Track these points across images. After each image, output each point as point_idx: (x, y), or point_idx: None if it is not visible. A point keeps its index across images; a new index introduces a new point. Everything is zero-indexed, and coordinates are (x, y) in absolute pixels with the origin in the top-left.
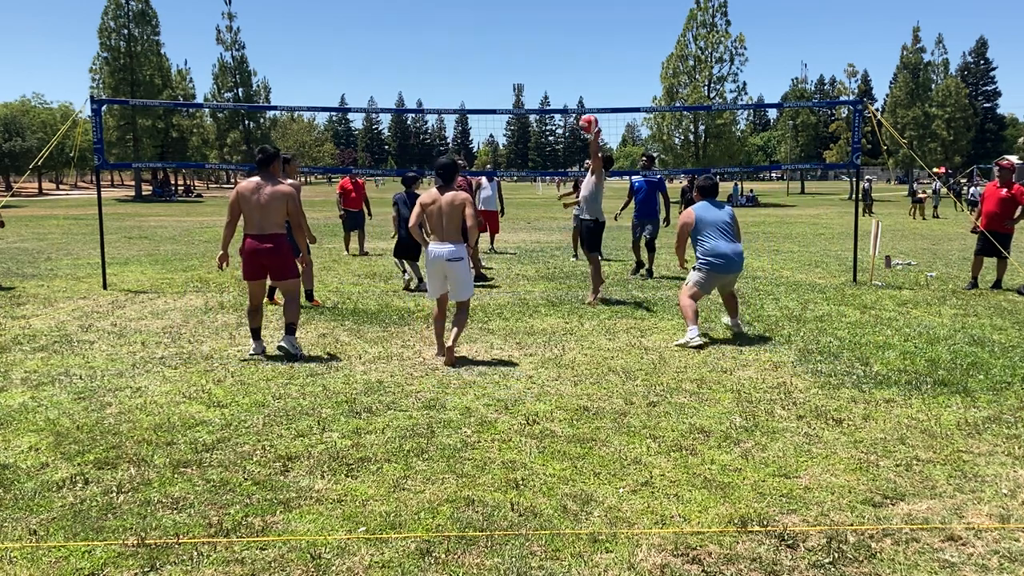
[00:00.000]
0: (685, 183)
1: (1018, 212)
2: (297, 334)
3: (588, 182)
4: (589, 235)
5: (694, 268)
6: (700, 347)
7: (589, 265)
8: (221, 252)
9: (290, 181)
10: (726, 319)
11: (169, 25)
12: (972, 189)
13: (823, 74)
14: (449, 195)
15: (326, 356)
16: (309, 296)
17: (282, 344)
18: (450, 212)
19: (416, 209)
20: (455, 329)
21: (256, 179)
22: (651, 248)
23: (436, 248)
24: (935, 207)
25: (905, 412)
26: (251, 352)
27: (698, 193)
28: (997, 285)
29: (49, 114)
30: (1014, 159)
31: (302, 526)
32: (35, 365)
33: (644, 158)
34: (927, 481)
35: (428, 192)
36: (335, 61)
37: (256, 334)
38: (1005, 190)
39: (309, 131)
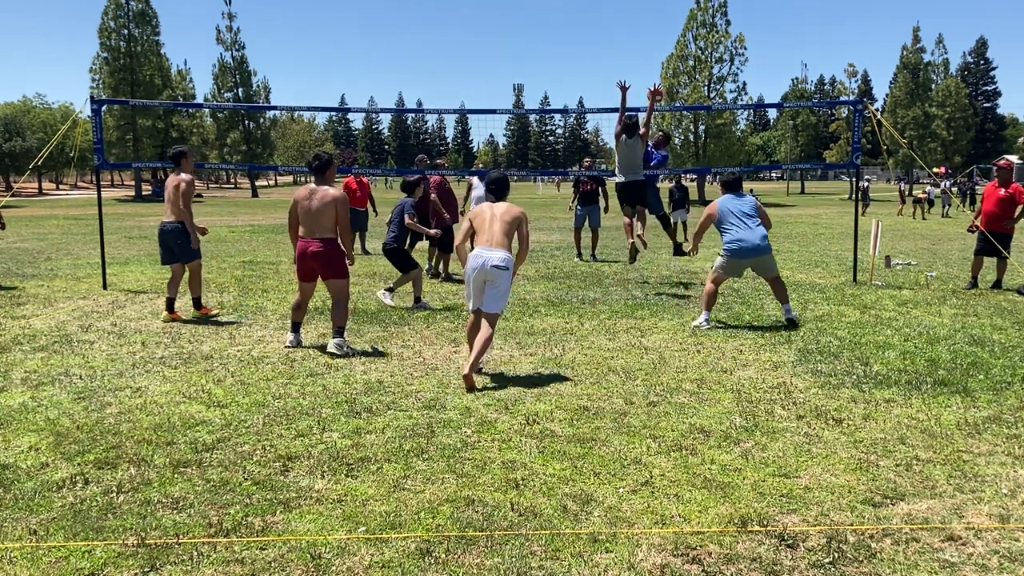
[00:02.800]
0: (674, 183)
1: (1018, 211)
2: (300, 332)
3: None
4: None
5: (719, 255)
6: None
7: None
8: (295, 256)
9: (184, 176)
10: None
11: (169, 25)
12: (926, 187)
13: (823, 74)
14: (504, 206)
15: (326, 356)
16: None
17: (331, 349)
18: (508, 221)
19: (464, 224)
20: (476, 350)
21: (311, 185)
22: (663, 222)
23: (484, 253)
24: (945, 207)
25: (905, 412)
26: (288, 343)
27: (723, 188)
28: (997, 285)
29: (49, 114)
30: (1014, 159)
31: (302, 526)
32: (35, 365)
33: (661, 133)
34: (927, 481)
35: (480, 206)
36: (335, 61)
37: (296, 327)
38: (1003, 190)
39: (309, 131)
